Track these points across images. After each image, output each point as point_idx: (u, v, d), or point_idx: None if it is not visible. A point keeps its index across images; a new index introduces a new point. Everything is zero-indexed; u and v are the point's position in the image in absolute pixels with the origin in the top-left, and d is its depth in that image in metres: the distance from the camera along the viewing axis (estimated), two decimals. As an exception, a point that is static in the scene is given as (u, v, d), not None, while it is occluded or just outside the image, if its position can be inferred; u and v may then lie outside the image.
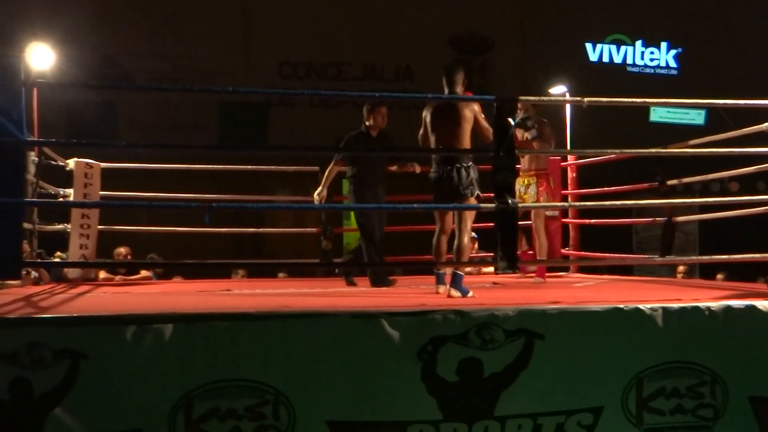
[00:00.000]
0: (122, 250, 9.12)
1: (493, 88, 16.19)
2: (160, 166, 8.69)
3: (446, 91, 6.33)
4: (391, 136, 7.70)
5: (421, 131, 6.48)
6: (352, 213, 9.16)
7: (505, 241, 5.32)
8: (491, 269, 8.55)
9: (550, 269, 8.85)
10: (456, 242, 6.10)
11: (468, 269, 8.71)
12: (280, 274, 10.41)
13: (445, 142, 6.22)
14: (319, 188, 7.62)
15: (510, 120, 5.36)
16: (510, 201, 5.30)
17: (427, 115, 6.41)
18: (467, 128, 6.16)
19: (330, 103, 16.43)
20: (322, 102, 16.43)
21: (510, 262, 5.28)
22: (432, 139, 6.32)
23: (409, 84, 16.65)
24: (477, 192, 6.19)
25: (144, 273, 8.78)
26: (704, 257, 10.82)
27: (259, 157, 10.89)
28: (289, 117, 15.67)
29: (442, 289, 6.19)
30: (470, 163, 6.17)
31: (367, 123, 7.54)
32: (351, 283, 7.51)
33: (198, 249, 12.15)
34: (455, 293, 5.80)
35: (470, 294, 5.80)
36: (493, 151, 5.34)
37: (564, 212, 9.11)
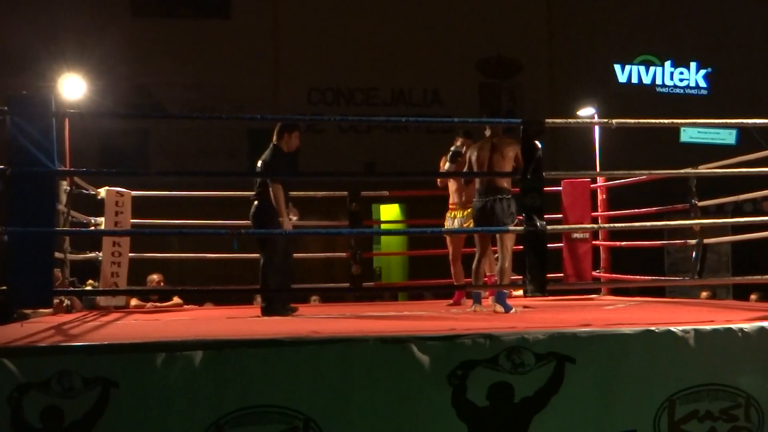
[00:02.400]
0: (155, 276, 9.16)
1: (521, 111, 16.18)
2: (190, 194, 8.75)
3: (488, 132, 6.92)
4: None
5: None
6: (381, 238, 9.15)
7: (533, 264, 5.30)
8: (521, 292, 8.55)
9: (581, 292, 8.81)
10: (498, 265, 6.70)
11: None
12: (313, 300, 10.42)
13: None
14: (284, 217, 6.83)
15: (537, 143, 5.36)
16: (539, 224, 5.28)
17: (472, 153, 6.93)
18: (509, 165, 6.71)
19: (359, 128, 16.52)
20: (352, 127, 16.51)
21: (539, 285, 5.26)
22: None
23: (438, 108, 16.72)
24: (515, 221, 6.58)
25: (176, 300, 8.82)
26: (737, 278, 10.72)
27: (292, 183, 10.94)
28: (318, 142, 15.74)
29: (478, 307, 6.83)
30: (510, 195, 6.70)
31: (279, 144, 7.04)
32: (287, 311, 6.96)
33: (227, 275, 12.20)
34: (500, 308, 6.51)
35: (513, 310, 6.45)
36: (521, 175, 5.34)
37: (594, 234, 9.05)
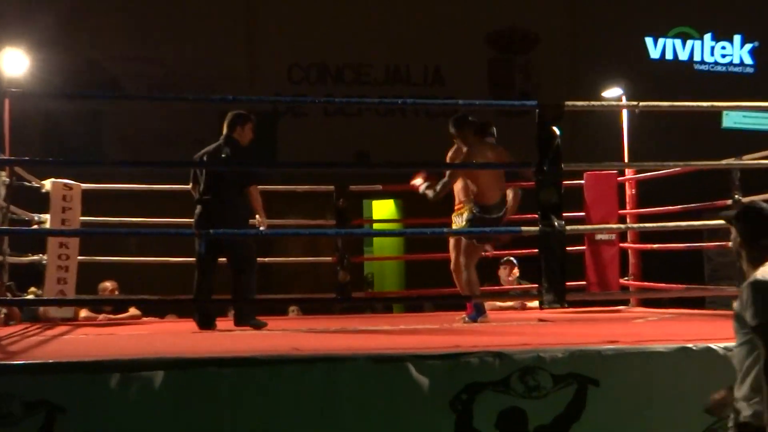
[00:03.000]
0: (108, 284, 9.13)
1: (537, 92, 16.20)
2: (151, 187, 8.72)
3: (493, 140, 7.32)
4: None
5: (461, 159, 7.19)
6: (374, 240, 9.17)
7: (550, 270, 5.30)
8: (536, 304, 8.56)
9: (606, 303, 8.81)
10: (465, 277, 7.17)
11: (510, 303, 8.82)
12: (291, 311, 10.41)
13: (500, 183, 7.16)
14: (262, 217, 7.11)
15: (555, 129, 5.36)
16: (556, 223, 5.28)
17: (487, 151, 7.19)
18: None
19: (348, 111, 16.52)
20: (339, 110, 16.51)
21: (557, 295, 5.26)
22: (485, 179, 7.07)
23: (440, 88, 16.70)
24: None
25: (133, 311, 8.81)
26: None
27: (265, 175, 10.95)
28: (300, 128, 15.74)
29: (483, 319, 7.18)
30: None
31: (235, 136, 7.23)
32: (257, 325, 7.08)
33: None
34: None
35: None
36: (535, 166, 5.34)
37: (622, 236, 9.06)
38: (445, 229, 7.65)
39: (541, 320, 7.55)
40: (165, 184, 8.68)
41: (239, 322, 7.00)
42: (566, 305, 6.15)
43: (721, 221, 3.85)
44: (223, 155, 7.06)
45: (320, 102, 16.33)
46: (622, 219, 9.09)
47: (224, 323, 7.21)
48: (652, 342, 4.66)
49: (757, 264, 3.55)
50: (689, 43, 17.88)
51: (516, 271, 9.43)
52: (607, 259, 8.64)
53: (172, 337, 6.46)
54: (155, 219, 8.48)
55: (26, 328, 7.12)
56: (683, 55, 17.86)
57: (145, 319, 8.89)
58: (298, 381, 4.17)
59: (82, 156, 14.39)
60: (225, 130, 7.20)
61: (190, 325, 7.04)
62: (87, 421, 3.98)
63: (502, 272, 9.45)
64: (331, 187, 8.65)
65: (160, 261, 9.03)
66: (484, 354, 4.33)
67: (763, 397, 3.37)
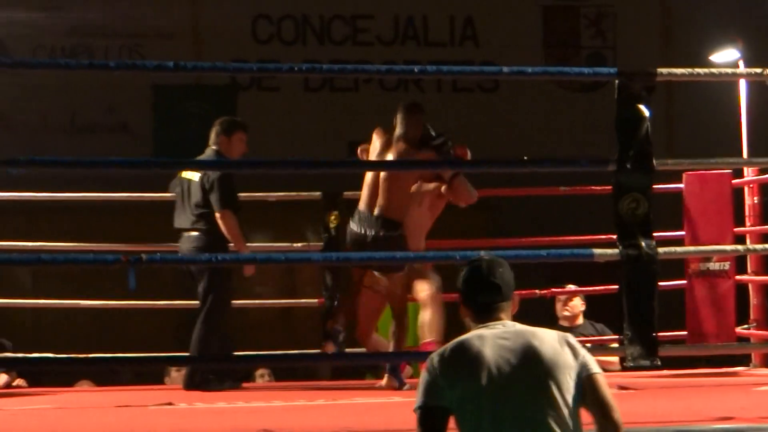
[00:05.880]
0: None
1: (614, 55, 16.22)
2: (55, 196, 8.75)
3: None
4: None
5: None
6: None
7: (636, 313, 5.32)
8: (615, 359, 8.61)
9: (717, 361, 8.81)
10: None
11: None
12: (260, 375, 10.43)
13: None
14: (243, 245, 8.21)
15: (643, 108, 5.38)
16: (644, 244, 5.31)
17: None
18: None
19: (338, 84, 16.52)
20: (326, 83, 16.51)
21: (646, 348, 5.28)
22: None
23: (473, 50, 16.71)
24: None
25: (3, 377, 8.84)
26: None
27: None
28: (271, 107, 15.73)
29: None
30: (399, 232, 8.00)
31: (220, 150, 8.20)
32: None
33: (118, 334, 12.20)
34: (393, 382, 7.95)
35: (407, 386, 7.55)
36: (612, 162, 5.37)
37: (739, 264, 9.06)
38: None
39: (621, 388, 7.55)
40: (73, 191, 8.72)
41: (192, 384, 7.18)
42: (658, 364, 6.17)
43: None
44: (200, 174, 7.99)
45: (298, 71, 16.31)
46: (740, 239, 9.08)
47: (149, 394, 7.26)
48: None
49: None
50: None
51: (578, 305, 9.47)
52: (718, 297, 8.64)
53: (87, 415, 6.49)
54: (60, 243, 8.51)
55: None
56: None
57: (38, 388, 8.91)
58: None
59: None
60: (210, 141, 8.12)
61: (111, 396, 7.08)
62: None
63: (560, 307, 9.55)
64: (317, 194, 8.67)
65: (68, 305, 9.06)
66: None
67: None
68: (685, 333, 8.81)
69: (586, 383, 3.77)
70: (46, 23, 15.66)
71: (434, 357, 3.84)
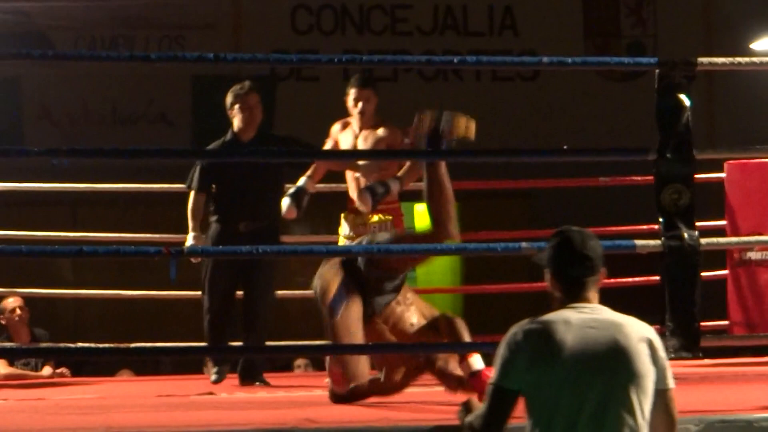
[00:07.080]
0: (9, 302, 9.03)
1: (655, 44, 16.15)
2: (94, 187, 8.77)
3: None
4: (282, 135, 8.18)
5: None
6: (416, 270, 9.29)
7: (678, 303, 5.29)
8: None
9: (759, 351, 8.78)
10: None
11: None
12: (298, 366, 10.44)
13: None
14: (190, 233, 8.09)
15: (684, 98, 5.35)
16: (686, 235, 5.27)
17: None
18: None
19: (378, 74, 16.47)
20: (364, 73, 16.46)
21: (689, 339, 5.24)
22: None
23: (512, 39, 16.67)
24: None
25: (48, 369, 8.86)
26: None
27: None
28: (307, 97, 15.72)
29: None
30: None
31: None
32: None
33: (159, 324, 12.22)
34: None
35: None
36: (654, 152, 5.34)
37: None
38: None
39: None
40: (115, 182, 8.74)
41: (248, 378, 7.19)
42: (700, 354, 6.13)
43: None
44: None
45: (338, 62, 16.30)
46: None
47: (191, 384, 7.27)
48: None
49: None
50: None
51: None
52: (760, 287, 8.60)
53: (126, 409, 6.48)
54: (101, 234, 8.53)
55: None
56: None
57: (82, 378, 8.94)
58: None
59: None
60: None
61: (152, 386, 7.08)
62: None
63: None
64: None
65: (109, 296, 9.08)
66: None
67: None
68: (726, 323, 8.77)
69: (660, 396, 3.70)
70: (87, 14, 15.70)
71: (518, 333, 3.71)
